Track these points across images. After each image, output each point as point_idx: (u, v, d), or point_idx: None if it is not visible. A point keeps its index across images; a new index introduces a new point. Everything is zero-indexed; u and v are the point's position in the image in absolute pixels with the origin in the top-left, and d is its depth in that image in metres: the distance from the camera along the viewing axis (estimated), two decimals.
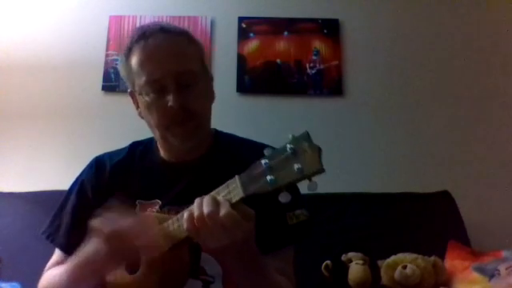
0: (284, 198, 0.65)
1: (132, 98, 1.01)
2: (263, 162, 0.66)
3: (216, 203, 0.69)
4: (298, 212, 0.91)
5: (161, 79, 0.90)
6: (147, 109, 0.94)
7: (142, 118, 1.00)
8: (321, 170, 0.61)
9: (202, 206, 0.69)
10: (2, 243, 1.64)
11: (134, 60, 0.93)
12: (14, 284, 1.45)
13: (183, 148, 0.96)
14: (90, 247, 0.81)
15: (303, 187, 0.67)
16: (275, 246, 0.90)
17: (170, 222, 0.79)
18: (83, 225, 0.95)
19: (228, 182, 0.71)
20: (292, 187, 0.66)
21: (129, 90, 1.02)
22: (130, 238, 0.77)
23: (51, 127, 2.05)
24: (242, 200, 0.69)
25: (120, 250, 0.77)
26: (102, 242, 0.78)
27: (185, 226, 0.71)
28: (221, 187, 0.72)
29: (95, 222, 0.80)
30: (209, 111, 1.01)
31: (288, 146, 0.64)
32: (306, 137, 0.64)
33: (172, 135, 0.94)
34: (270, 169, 0.65)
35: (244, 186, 0.68)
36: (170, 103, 0.88)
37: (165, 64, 0.90)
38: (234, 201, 0.69)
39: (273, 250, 0.90)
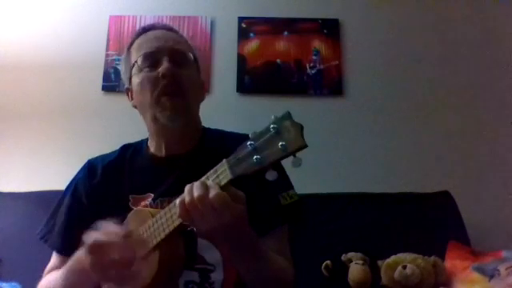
0: (271, 175, 0.66)
1: (127, 94, 1.06)
2: (248, 143, 0.68)
3: (205, 187, 0.70)
4: (291, 192, 0.94)
5: (155, 52, 0.96)
6: (140, 86, 0.97)
7: (135, 107, 1.04)
8: (303, 146, 0.64)
9: (192, 190, 0.70)
10: (2, 243, 1.64)
11: (135, 47, 1.01)
12: (13, 284, 1.45)
13: (171, 127, 0.97)
14: (80, 255, 0.81)
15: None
16: (270, 226, 0.92)
17: (161, 212, 0.80)
18: (77, 225, 0.96)
19: (216, 166, 0.73)
20: (280, 170, 0.68)
21: (125, 87, 1.07)
22: (113, 248, 0.75)
23: (51, 127, 2.05)
24: (230, 182, 0.70)
25: (104, 260, 0.75)
26: (85, 253, 0.77)
27: (177, 211, 0.72)
28: (209, 172, 0.74)
29: (85, 235, 0.79)
30: (197, 103, 1.05)
31: (271, 126, 0.67)
32: (288, 116, 0.67)
33: (161, 110, 0.95)
34: (255, 149, 0.67)
35: (232, 168, 0.70)
36: (161, 71, 0.93)
37: (160, 41, 0.98)
38: (222, 183, 0.71)
39: (268, 230, 0.91)
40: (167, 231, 0.77)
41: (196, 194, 0.69)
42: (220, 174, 0.71)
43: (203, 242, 0.90)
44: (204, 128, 1.10)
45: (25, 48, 2.14)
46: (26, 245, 1.58)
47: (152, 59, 0.96)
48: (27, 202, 1.76)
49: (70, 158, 1.95)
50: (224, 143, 1.01)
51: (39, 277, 0.98)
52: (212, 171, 0.73)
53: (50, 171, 1.96)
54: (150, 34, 1.02)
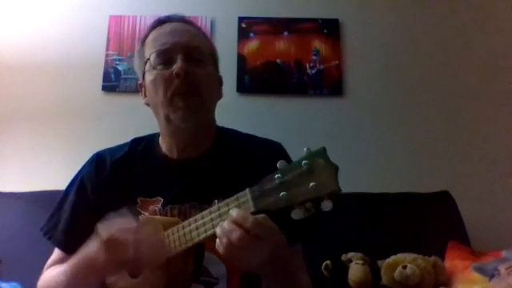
0: (296, 215, 0.63)
1: (140, 90, 1.02)
2: (276, 176, 0.64)
3: (238, 221, 0.66)
4: (308, 205, 0.91)
5: (169, 49, 0.91)
6: (153, 84, 0.92)
7: (148, 105, 0.99)
8: (337, 190, 0.59)
9: (226, 231, 0.66)
10: (2, 243, 1.64)
11: (149, 41, 0.96)
12: (13, 284, 1.45)
13: (184, 127, 0.92)
14: (90, 249, 0.79)
15: None
16: (289, 242, 0.87)
17: (174, 228, 0.77)
18: (82, 222, 0.94)
19: (238, 194, 0.69)
20: None
21: (139, 82, 1.02)
22: (129, 247, 0.74)
23: (51, 127, 2.05)
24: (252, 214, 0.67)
25: (119, 257, 0.74)
26: (100, 248, 0.75)
27: (224, 253, 0.67)
28: (231, 199, 0.70)
29: (100, 227, 0.77)
30: (213, 101, 1.00)
31: (303, 162, 0.62)
32: (323, 153, 0.62)
33: (174, 110, 0.90)
34: (283, 184, 0.63)
35: (255, 200, 0.66)
36: (175, 70, 0.88)
37: (175, 37, 0.93)
38: None
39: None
40: (179, 249, 0.75)
41: (234, 236, 0.64)
42: (242, 204, 0.68)
43: (209, 255, 0.87)
44: (218, 128, 1.05)
45: (25, 48, 2.14)
46: (26, 245, 1.59)
47: (165, 56, 0.91)
48: (27, 202, 1.76)
49: (69, 158, 1.95)
50: (239, 148, 0.99)
51: (39, 277, 0.98)
52: (233, 198, 0.70)
53: (49, 171, 1.96)
54: (166, 26, 0.97)
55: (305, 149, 0.63)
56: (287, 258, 0.74)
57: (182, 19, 1.00)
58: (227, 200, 0.70)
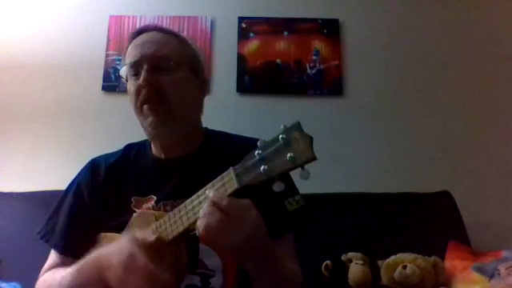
0: (278, 187, 0.66)
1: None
2: (256, 152, 0.67)
3: (215, 200, 0.69)
4: (296, 197, 0.93)
5: (137, 61, 0.95)
6: (129, 94, 0.98)
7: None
8: (312, 158, 0.63)
9: (205, 213, 0.69)
10: (2, 243, 1.64)
11: (127, 52, 1.00)
12: (13, 284, 1.45)
13: (156, 134, 0.96)
14: (103, 251, 0.80)
15: (296, 177, 0.68)
16: (278, 233, 0.90)
17: (166, 217, 0.80)
18: (79, 225, 0.98)
19: (222, 174, 0.72)
20: (285, 175, 0.67)
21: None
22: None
23: (51, 127, 2.05)
24: (236, 191, 0.69)
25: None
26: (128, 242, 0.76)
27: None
28: (215, 180, 0.73)
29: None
30: (186, 106, 0.99)
31: (280, 136, 0.65)
32: (298, 127, 0.66)
33: (144, 118, 0.95)
34: (263, 159, 0.66)
35: (238, 177, 0.69)
36: (139, 82, 0.93)
37: (143, 49, 0.96)
38: (228, 192, 0.70)
39: (276, 237, 0.88)
40: (171, 236, 0.77)
41: (212, 215, 0.68)
42: (226, 183, 0.71)
43: (204, 248, 0.89)
44: (207, 130, 1.09)
45: (25, 48, 2.14)
46: (26, 245, 1.58)
47: (135, 68, 0.96)
48: (27, 202, 1.76)
49: (69, 158, 1.95)
50: (227, 146, 1.02)
51: (38, 277, 0.98)
52: (218, 179, 0.72)
53: (50, 171, 1.96)
54: (140, 38, 0.99)
55: (281, 126, 0.67)
56: (266, 244, 0.76)
57: (157, 28, 1.03)
58: (213, 181, 0.73)
